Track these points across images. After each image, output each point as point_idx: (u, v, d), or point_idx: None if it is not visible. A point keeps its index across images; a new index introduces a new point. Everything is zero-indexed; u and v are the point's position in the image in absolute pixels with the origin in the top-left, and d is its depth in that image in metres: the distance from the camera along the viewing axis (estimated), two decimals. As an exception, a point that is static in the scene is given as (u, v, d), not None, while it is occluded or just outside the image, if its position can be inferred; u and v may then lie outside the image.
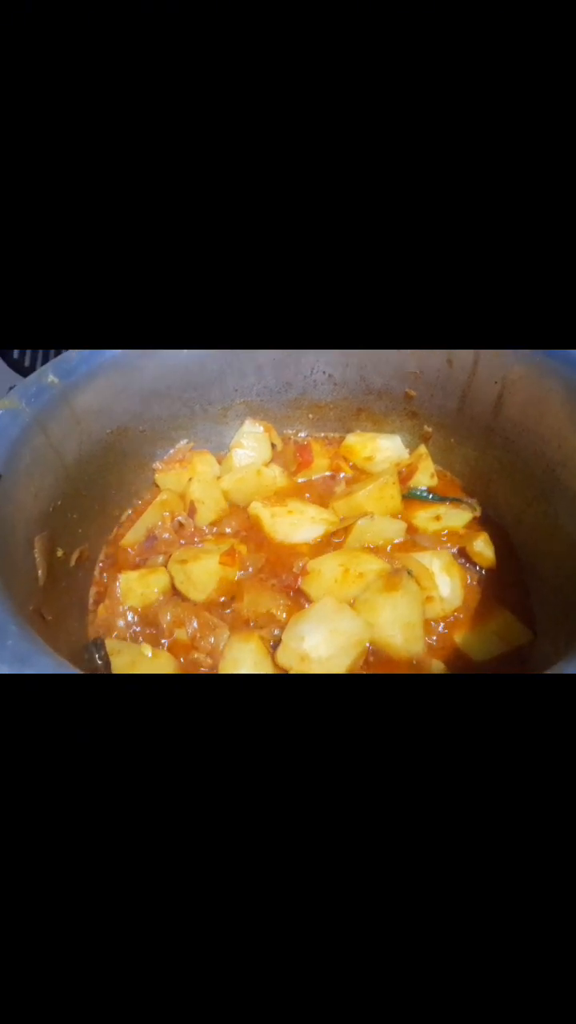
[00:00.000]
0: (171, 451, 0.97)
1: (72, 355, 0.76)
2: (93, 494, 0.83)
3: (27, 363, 1.25)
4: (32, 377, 0.73)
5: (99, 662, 0.71)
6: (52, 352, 0.91)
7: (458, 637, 0.76)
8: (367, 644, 0.72)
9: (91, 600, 0.80)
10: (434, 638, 0.76)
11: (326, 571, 0.78)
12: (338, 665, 0.69)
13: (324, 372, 0.98)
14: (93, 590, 0.82)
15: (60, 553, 0.73)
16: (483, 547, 0.82)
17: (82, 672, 0.45)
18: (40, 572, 0.65)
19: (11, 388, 0.72)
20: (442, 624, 0.77)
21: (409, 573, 0.77)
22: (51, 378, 0.73)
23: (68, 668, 0.42)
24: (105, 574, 0.83)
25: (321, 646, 0.69)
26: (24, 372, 1.23)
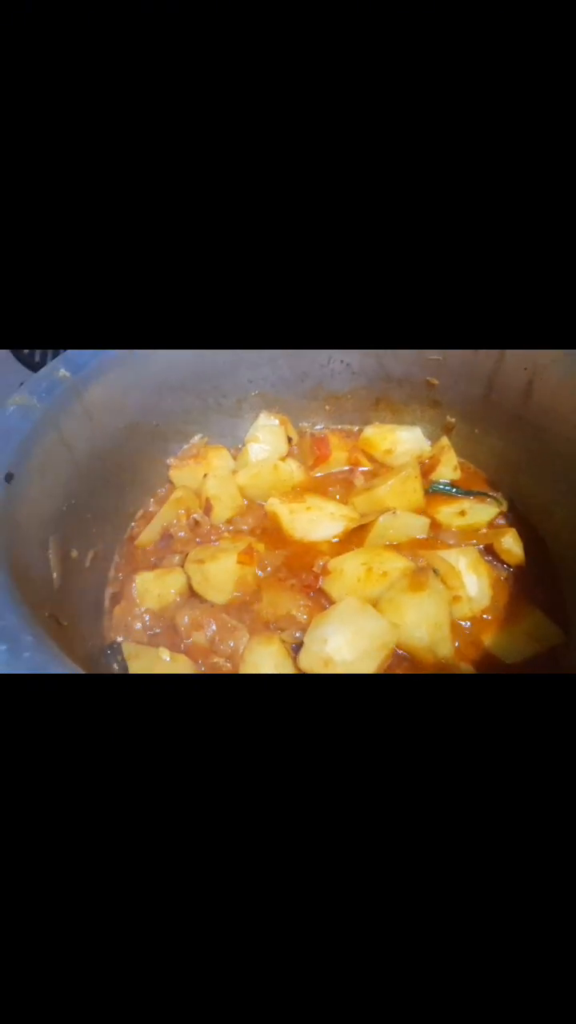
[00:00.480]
0: (185, 446, 0.95)
1: (82, 349, 0.73)
2: (107, 492, 0.81)
3: (37, 359, 1.23)
4: (43, 372, 0.70)
5: (116, 667, 0.69)
6: (50, 354, 0.88)
7: (487, 639, 0.73)
8: (393, 647, 0.69)
9: (107, 601, 0.79)
10: (458, 642, 0.72)
11: (348, 570, 0.75)
12: (364, 669, 0.66)
13: (341, 361, 0.94)
14: (109, 591, 0.80)
15: (75, 554, 0.71)
16: (512, 544, 0.79)
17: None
18: (55, 575, 0.63)
19: (21, 384, 0.70)
20: (470, 624, 0.74)
21: (435, 572, 0.74)
22: (62, 372, 0.70)
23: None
24: (120, 574, 0.81)
25: (345, 649, 0.67)
26: (34, 367, 1.21)
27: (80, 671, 0.41)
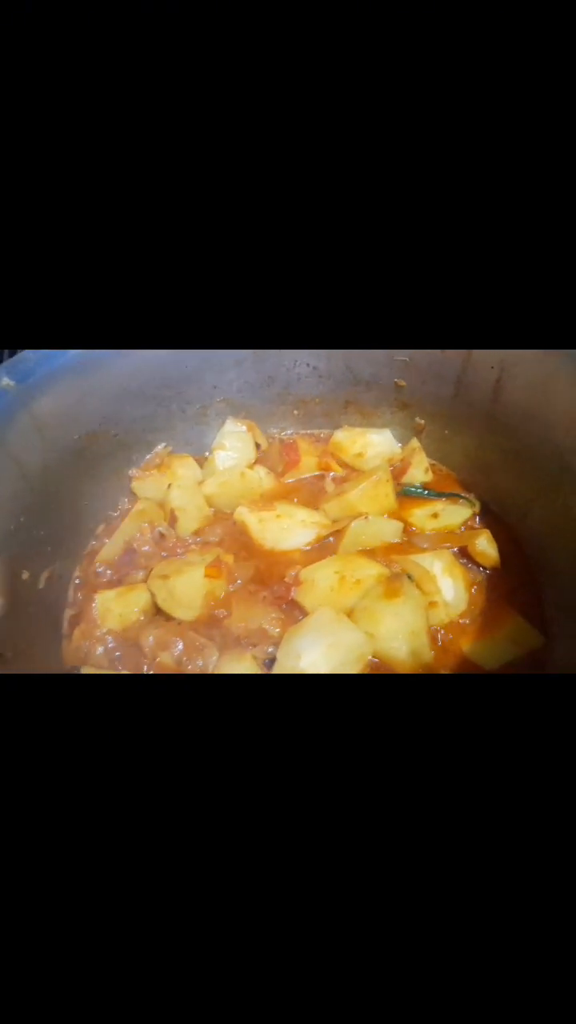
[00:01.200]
0: (148, 456, 0.90)
1: (29, 355, 0.69)
2: (62, 507, 0.76)
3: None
4: (-15, 381, 0.66)
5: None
6: (6, 353, 0.83)
7: (465, 645, 0.71)
8: (370, 658, 0.66)
9: (66, 624, 0.73)
10: (435, 650, 0.70)
11: (320, 580, 0.72)
12: (339, 684, 0.63)
13: (308, 364, 0.91)
14: (68, 613, 0.75)
15: (26, 575, 0.66)
16: (486, 545, 0.77)
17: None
18: (1, 600, 0.58)
19: (-39, 393, 0.65)
20: (445, 631, 0.72)
21: (409, 577, 0.71)
22: (5, 381, 0.65)
23: None
24: (80, 594, 0.76)
25: (320, 662, 0.64)
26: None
27: None
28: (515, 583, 0.75)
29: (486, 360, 0.76)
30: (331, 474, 0.91)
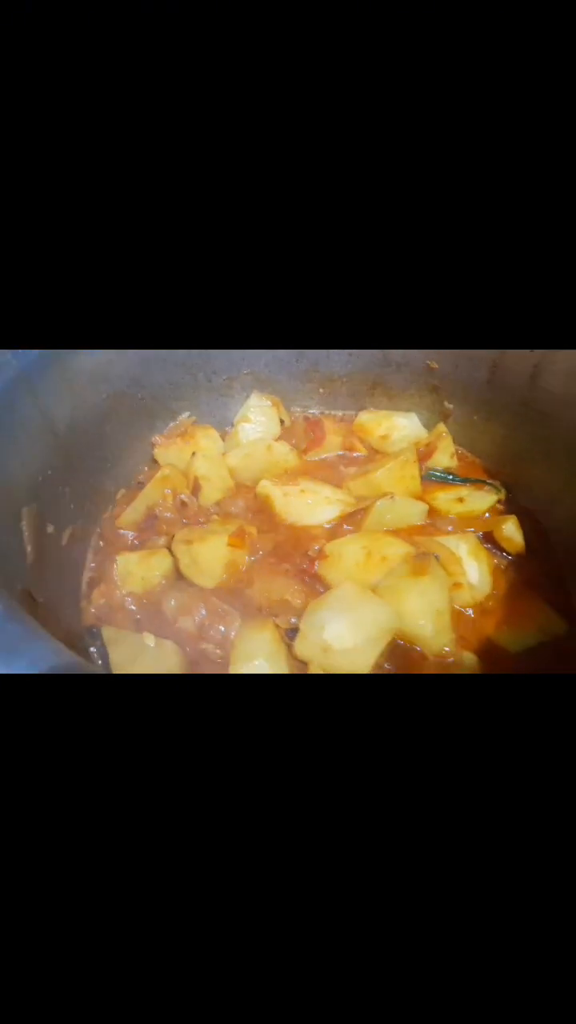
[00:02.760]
0: (172, 424, 0.89)
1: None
2: (87, 467, 0.74)
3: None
4: (19, 330, 0.64)
5: (95, 652, 0.63)
6: None
7: (489, 628, 0.70)
8: (395, 634, 0.65)
9: (85, 585, 0.72)
10: (461, 632, 0.69)
11: (347, 554, 0.71)
12: (365, 657, 0.62)
13: (339, 342, 0.90)
14: (87, 574, 0.73)
15: (51, 529, 0.65)
16: (513, 531, 0.77)
17: (79, 659, 0.37)
18: (29, 548, 0.57)
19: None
20: (471, 612, 0.71)
21: (436, 557, 0.71)
22: (41, 330, 0.64)
23: (65, 653, 0.34)
24: (100, 557, 0.75)
25: (345, 636, 0.63)
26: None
27: (56, 642, 0.35)
28: (539, 570, 0.75)
29: (525, 344, 0.75)
30: (355, 454, 0.91)
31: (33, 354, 0.63)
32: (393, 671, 0.65)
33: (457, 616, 0.70)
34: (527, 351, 0.75)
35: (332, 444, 0.91)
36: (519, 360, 0.76)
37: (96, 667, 0.35)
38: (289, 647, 0.65)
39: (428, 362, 0.87)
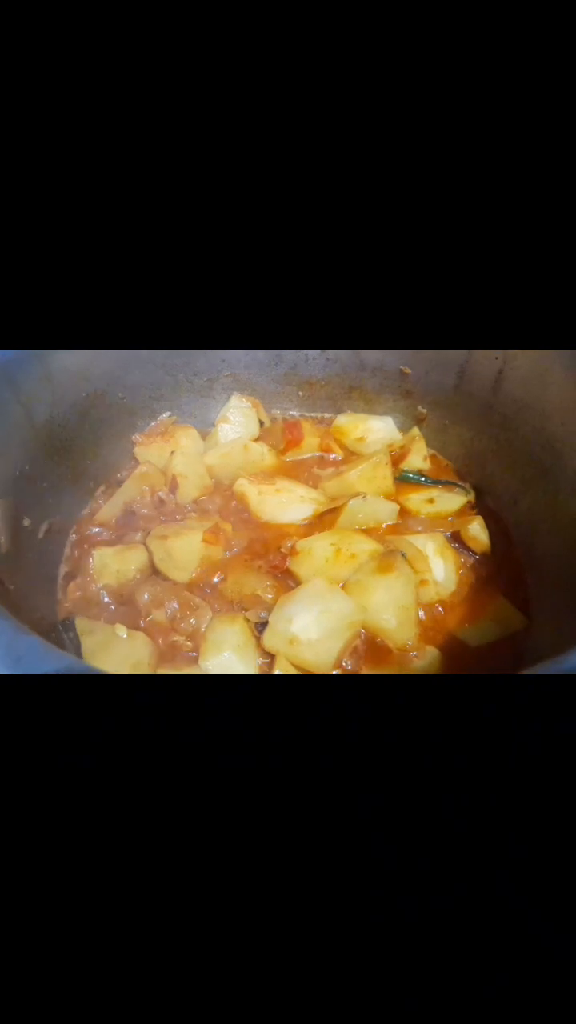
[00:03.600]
0: (152, 423, 0.91)
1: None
2: (66, 463, 0.76)
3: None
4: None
5: (68, 643, 0.64)
6: None
7: (452, 623, 0.73)
8: (360, 627, 0.68)
9: (61, 578, 0.74)
10: (426, 627, 0.72)
11: (317, 551, 0.73)
12: (329, 648, 0.65)
13: (317, 347, 0.93)
14: (63, 568, 0.75)
15: (27, 523, 0.66)
16: (478, 531, 0.79)
17: (39, 639, 0.39)
18: (3, 539, 0.59)
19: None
20: (438, 607, 0.74)
21: (403, 555, 0.73)
22: (22, 329, 0.66)
23: (32, 636, 0.36)
24: (76, 551, 0.77)
25: (311, 628, 0.65)
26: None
27: (21, 624, 0.37)
28: (502, 568, 0.78)
29: (490, 351, 0.78)
30: (332, 456, 0.93)
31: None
32: (358, 663, 0.67)
33: (423, 611, 0.73)
34: (492, 356, 0.78)
35: (309, 445, 0.94)
36: (484, 366, 0.79)
37: (62, 652, 0.37)
38: (258, 640, 0.67)
39: (401, 367, 0.91)
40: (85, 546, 0.77)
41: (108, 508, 0.80)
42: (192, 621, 0.68)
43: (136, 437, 0.88)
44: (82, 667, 0.40)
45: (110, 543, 0.77)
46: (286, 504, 0.82)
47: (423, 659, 0.69)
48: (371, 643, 0.69)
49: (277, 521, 0.82)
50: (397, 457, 0.91)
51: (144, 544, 0.75)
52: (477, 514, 0.83)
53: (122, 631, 0.65)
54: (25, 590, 0.60)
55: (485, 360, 0.79)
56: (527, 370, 0.73)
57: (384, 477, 0.85)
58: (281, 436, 0.95)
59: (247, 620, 0.68)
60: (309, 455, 0.94)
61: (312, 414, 1.00)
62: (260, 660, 0.66)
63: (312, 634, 0.65)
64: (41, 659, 0.37)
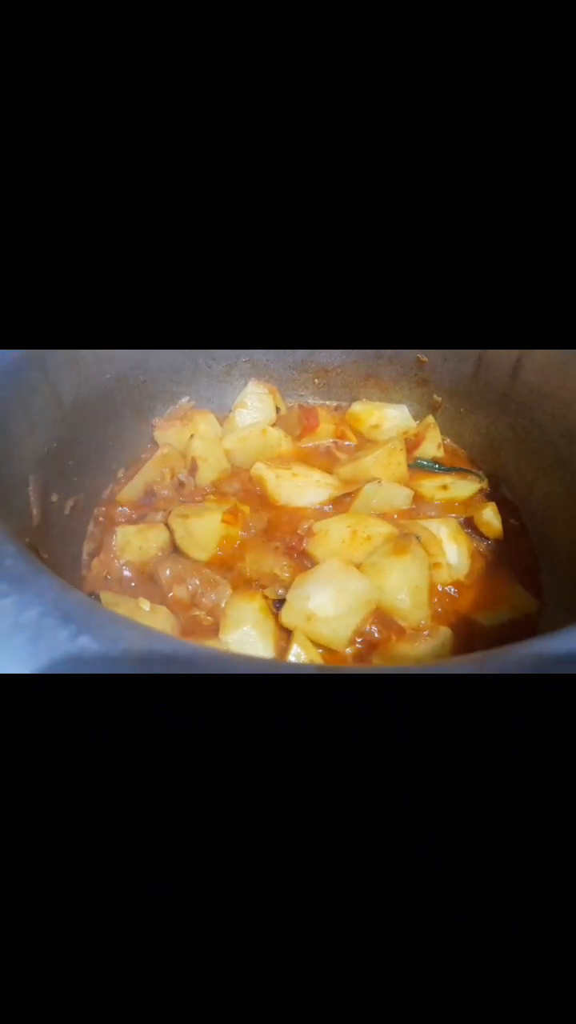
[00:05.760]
0: (171, 408, 0.93)
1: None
2: (90, 443, 0.78)
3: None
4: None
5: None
6: None
7: (465, 605, 0.74)
8: (375, 606, 0.69)
9: (84, 555, 0.76)
10: (439, 608, 0.74)
11: (333, 533, 0.75)
12: (346, 624, 0.67)
13: (334, 334, 0.95)
14: (87, 545, 0.77)
15: (55, 498, 0.69)
16: (491, 517, 0.81)
17: (81, 594, 0.40)
18: (35, 511, 0.61)
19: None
20: (451, 589, 0.75)
21: (417, 538, 0.75)
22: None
23: (70, 589, 0.38)
24: (99, 529, 0.79)
25: (328, 605, 0.67)
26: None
27: (61, 580, 0.39)
28: (514, 553, 0.79)
29: (507, 340, 0.79)
30: (347, 443, 0.95)
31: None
32: (374, 639, 0.69)
33: (435, 593, 0.74)
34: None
35: (325, 432, 0.95)
36: (502, 355, 0.80)
37: (99, 606, 0.38)
38: (276, 616, 0.69)
39: (418, 356, 0.92)
40: (108, 525, 0.79)
41: (129, 489, 0.82)
42: (212, 597, 0.70)
43: (156, 421, 0.90)
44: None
45: (132, 522, 0.79)
46: (302, 488, 0.84)
47: (436, 639, 0.70)
48: (387, 623, 0.71)
49: (294, 504, 0.84)
50: (411, 445, 0.92)
51: (165, 523, 0.77)
52: (491, 500, 0.84)
53: (145, 604, 0.67)
54: (55, 563, 0.62)
55: (503, 349, 0.80)
56: (546, 359, 0.75)
57: (399, 463, 0.86)
58: (297, 422, 0.97)
59: (265, 597, 0.70)
60: (324, 442, 0.95)
61: (328, 401, 1.01)
62: (277, 635, 0.68)
63: (329, 611, 0.67)
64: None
